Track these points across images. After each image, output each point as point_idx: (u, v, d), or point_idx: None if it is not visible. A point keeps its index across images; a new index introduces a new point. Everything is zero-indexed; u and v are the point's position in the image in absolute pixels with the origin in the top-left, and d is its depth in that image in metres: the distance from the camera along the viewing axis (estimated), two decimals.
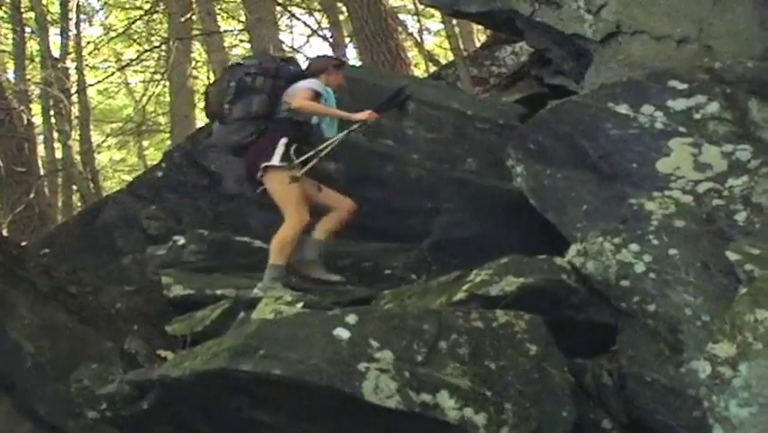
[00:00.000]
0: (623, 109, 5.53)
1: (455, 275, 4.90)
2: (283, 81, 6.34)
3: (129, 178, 17.80)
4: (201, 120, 19.70)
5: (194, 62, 19.68)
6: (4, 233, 12.18)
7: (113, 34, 20.06)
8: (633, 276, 4.47)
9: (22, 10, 16.36)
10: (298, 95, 6.23)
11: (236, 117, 6.21)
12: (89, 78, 18.80)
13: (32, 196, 13.90)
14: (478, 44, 16.53)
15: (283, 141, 6.13)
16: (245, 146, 6.25)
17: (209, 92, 6.55)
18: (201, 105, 22.12)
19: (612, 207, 5.19)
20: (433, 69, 16.58)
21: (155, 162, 11.02)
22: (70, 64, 16.50)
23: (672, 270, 4.41)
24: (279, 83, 6.32)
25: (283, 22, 23.51)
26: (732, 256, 4.20)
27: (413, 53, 19.12)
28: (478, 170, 7.28)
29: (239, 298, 5.81)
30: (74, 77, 16.42)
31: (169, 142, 19.48)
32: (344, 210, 6.36)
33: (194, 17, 17.81)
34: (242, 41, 20.80)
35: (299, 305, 5.32)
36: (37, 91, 16.11)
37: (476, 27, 17.70)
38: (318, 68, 6.56)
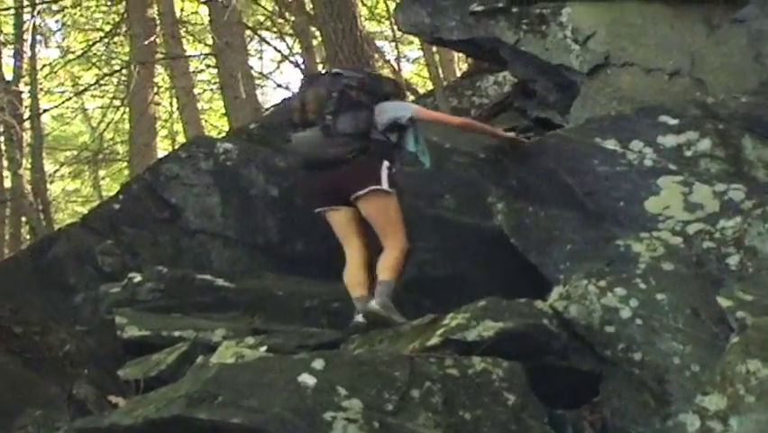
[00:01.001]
0: (610, 145, 5.57)
1: (429, 318, 4.89)
2: (376, 99, 6.35)
3: (83, 210, 17.76)
4: (162, 149, 19.69)
5: (156, 88, 19.66)
6: None
7: (70, 57, 20.06)
8: (618, 322, 4.49)
9: None
10: (427, 113, 6.55)
11: (342, 131, 6.17)
12: (44, 102, 18.79)
13: None
14: (458, 73, 16.66)
15: (386, 164, 6.15)
16: (340, 162, 6.25)
17: (307, 98, 6.43)
18: (163, 132, 22.25)
19: (597, 247, 5.21)
20: (410, 98, 16.66)
21: (112, 194, 10.96)
22: (24, 88, 16.46)
23: (660, 316, 4.43)
24: (374, 100, 6.35)
25: (253, 46, 23.64)
26: (723, 302, 4.22)
27: None
28: (456, 206, 7.28)
29: (198, 340, 5.77)
30: (27, 101, 16.38)
31: (127, 173, 19.43)
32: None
33: (157, 40, 17.80)
34: (208, 66, 20.84)
35: (262, 348, 5.29)
36: None
37: (457, 55, 17.86)
38: (394, 90, 6.65)
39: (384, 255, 5.97)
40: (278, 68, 26.00)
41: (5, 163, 15.87)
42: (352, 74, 6.39)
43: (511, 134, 6.51)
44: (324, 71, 7.32)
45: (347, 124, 6.10)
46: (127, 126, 19.53)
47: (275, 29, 21.98)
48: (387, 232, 6.05)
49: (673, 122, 5.53)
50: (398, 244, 6.00)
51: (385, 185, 6.06)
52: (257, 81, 20.81)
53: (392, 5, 15.37)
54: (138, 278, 6.96)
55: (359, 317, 6.01)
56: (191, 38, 20.65)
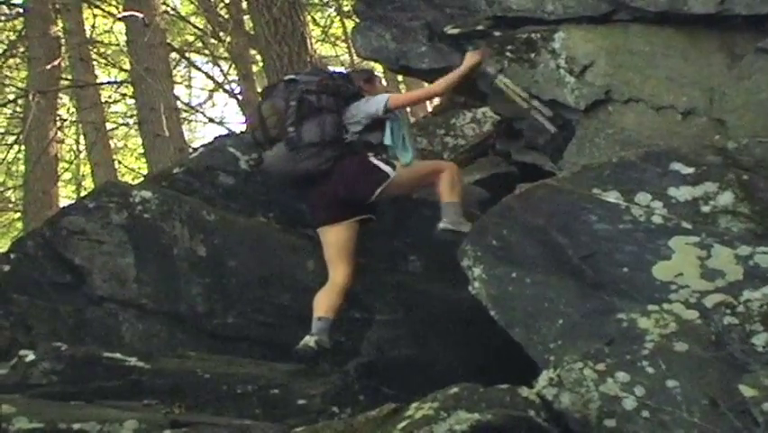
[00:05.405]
0: (612, 197, 5.60)
1: (389, 408, 4.88)
2: (342, 100, 7.02)
3: None
4: (65, 197, 19.58)
5: (59, 122, 19.62)
6: None
7: None
8: (620, 414, 4.49)
9: None
10: (404, 98, 7.47)
11: (309, 142, 6.69)
12: None
13: None
14: (429, 108, 16.78)
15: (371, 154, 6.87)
16: (321, 173, 6.76)
17: (264, 113, 6.87)
18: (66, 176, 22.16)
19: (595, 323, 5.22)
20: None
21: (1, 252, 10.90)
22: None
23: (671, 407, 4.44)
24: (340, 102, 7.00)
25: (179, 72, 23.71)
26: (747, 391, 4.24)
27: None
28: (423, 271, 7.31)
29: None
30: None
31: (20, 226, 19.32)
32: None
33: (62, 64, 17.82)
34: (123, 95, 20.86)
35: None
36: None
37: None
38: (367, 85, 7.37)
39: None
40: (209, 98, 25.98)
41: None
42: (309, 78, 6.82)
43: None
44: (278, 80, 7.82)
45: (312, 134, 6.46)
46: (22, 168, 19.46)
47: (207, 52, 22.07)
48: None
49: (688, 170, 5.58)
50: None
51: (388, 169, 6.72)
52: (183, 115, 20.85)
53: (350, 25, 15.51)
54: (30, 357, 6.90)
55: (310, 340, 6.27)
56: (103, 62, 20.68)
